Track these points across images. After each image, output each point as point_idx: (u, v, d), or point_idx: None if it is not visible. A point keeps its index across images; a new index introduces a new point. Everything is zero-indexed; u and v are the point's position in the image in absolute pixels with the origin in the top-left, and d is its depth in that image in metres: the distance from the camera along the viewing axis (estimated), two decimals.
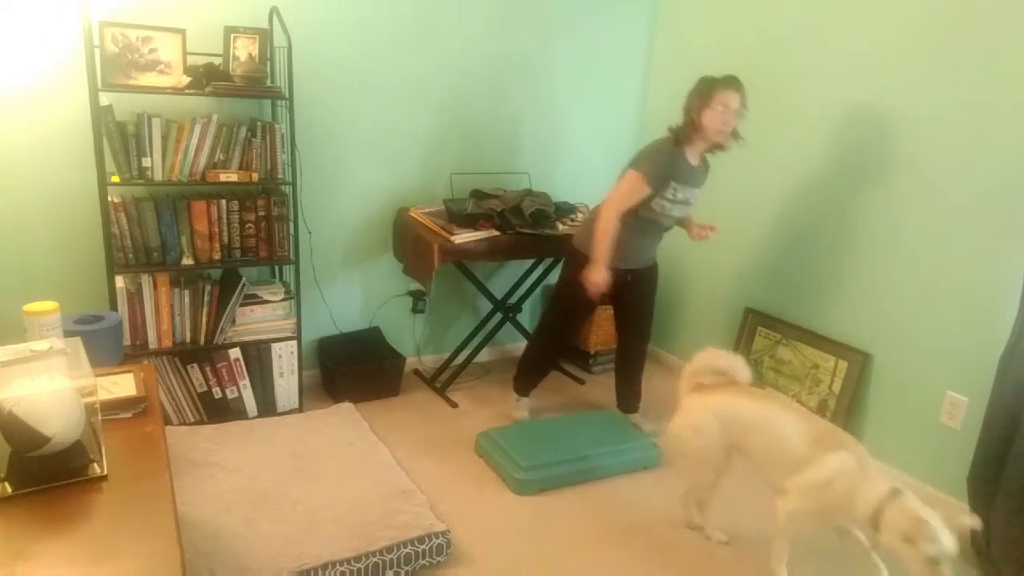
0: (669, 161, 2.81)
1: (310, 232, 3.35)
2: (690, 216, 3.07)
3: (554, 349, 3.25)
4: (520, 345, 3.44)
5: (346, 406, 3.30)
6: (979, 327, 2.68)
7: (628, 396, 3.38)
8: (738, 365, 2.45)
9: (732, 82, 2.77)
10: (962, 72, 2.67)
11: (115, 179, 2.74)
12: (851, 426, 3.13)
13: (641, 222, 2.92)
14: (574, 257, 3.04)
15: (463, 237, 3.21)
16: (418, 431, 3.22)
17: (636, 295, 3.14)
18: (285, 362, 3.20)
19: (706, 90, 2.77)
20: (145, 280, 2.88)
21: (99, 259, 2.86)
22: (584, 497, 2.78)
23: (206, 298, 2.99)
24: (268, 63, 3.01)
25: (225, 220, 2.96)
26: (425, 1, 3.41)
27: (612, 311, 3.32)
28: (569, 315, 3.19)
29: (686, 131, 2.82)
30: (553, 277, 3.50)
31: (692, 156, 2.88)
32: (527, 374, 3.34)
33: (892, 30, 2.89)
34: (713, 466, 2.43)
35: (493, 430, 3.09)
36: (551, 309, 3.29)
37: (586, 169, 3.22)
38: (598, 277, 2.88)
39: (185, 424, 3.04)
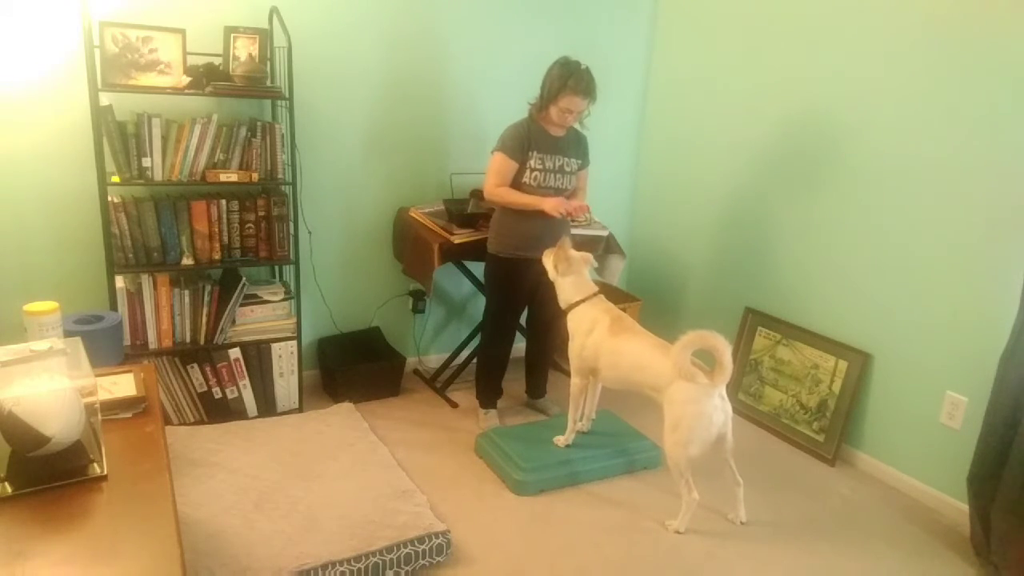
0: (523, 134, 2.96)
1: (310, 232, 3.35)
2: (577, 189, 3.16)
3: (499, 353, 3.27)
4: (520, 345, 3.45)
5: (346, 406, 3.30)
6: (979, 327, 2.68)
7: (538, 385, 3.49)
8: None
9: (583, 89, 2.86)
10: (962, 72, 2.67)
11: (115, 179, 2.75)
12: (851, 426, 3.13)
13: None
14: (494, 259, 3.11)
15: (463, 237, 3.21)
16: (418, 431, 3.22)
17: (551, 289, 3.13)
18: (285, 362, 3.20)
19: (559, 86, 2.87)
20: (145, 280, 2.88)
21: (99, 259, 2.86)
22: (584, 497, 2.78)
23: (206, 298, 2.99)
24: (268, 63, 3.01)
25: (225, 220, 2.96)
26: (426, 1, 3.41)
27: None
28: (502, 317, 3.22)
29: (539, 111, 2.99)
30: None
31: (553, 129, 3.00)
32: (484, 385, 3.34)
33: (892, 28, 2.89)
34: None
35: (493, 430, 3.10)
36: (485, 316, 3.33)
37: (587, 169, 3.23)
38: (550, 204, 2.89)
39: (185, 424, 3.04)
